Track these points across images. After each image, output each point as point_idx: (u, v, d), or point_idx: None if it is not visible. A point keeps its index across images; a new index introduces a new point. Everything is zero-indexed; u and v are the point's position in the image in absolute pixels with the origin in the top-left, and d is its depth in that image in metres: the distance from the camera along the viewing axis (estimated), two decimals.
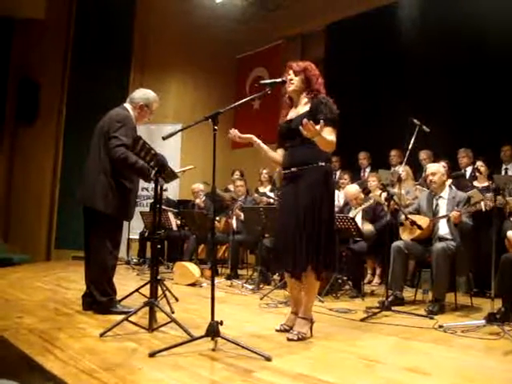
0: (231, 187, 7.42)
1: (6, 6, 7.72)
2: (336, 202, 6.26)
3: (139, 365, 2.34)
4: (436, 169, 4.49)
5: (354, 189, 5.34)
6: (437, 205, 4.40)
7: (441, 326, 3.39)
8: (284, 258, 3.03)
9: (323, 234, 2.93)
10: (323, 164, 2.98)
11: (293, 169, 3.02)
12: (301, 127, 2.69)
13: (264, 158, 3.25)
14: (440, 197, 4.41)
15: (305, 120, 2.67)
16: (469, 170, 5.87)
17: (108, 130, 3.51)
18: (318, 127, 2.67)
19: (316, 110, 2.96)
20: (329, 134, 2.88)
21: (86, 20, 8.88)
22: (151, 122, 6.05)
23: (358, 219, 5.08)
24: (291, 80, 3.11)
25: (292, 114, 3.16)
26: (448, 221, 4.23)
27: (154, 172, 3.17)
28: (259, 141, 3.16)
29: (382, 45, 7.47)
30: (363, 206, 5.14)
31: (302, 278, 3.03)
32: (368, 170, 6.96)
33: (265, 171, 7.15)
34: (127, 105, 3.73)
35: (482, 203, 3.92)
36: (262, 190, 7.09)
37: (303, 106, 3.10)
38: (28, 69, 8.62)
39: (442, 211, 4.35)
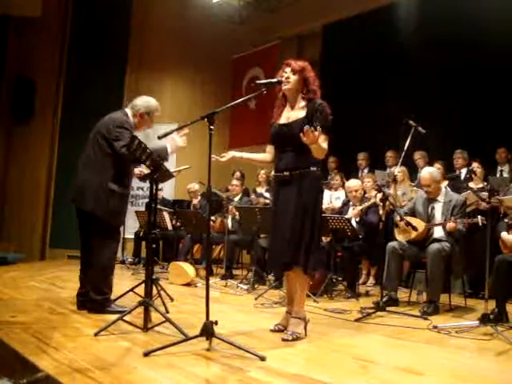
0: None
1: (1, 3, 7.69)
2: (328, 202, 6.29)
3: (134, 364, 2.34)
4: (428, 180, 4.35)
5: (355, 182, 5.37)
6: (433, 208, 4.38)
7: (435, 327, 3.40)
8: (277, 257, 3.06)
9: (314, 235, 2.99)
10: (315, 169, 3.01)
11: (285, 173, 3.02)
12: (301, 134, 2.71)
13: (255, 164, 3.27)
14: (436, 200, 4.39)
15: (306, 127, 2.69)
16: (464, 171, 5.89)
17: (109, 134, 3.44)
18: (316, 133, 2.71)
19: (311, 116, 2.95)
20: (323, 142, 2.91)
21: (82, 18, 8.85)
22: None
23: (353, 220, 5.09)
24: (288, 78, 3.05)
25: (287, 115, 3.12)
26: (443, 227, 4.23)
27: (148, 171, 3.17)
28: (240, 153, 3.27)
29: (378, 46, 7.48)
30: (362, 206, 5.14)
31: (292, 275, 3.06)
32: (366, 170, 6.94)
33: (262, 172, 7.12)
34: (128, 110, 3.64)
35: (479, 218, 3.93)
36: (259, 190, 7.08)
37: (300, 110, 3.06)
38: (24, 66, 8.58)
39: (438, 215, 4.33)
